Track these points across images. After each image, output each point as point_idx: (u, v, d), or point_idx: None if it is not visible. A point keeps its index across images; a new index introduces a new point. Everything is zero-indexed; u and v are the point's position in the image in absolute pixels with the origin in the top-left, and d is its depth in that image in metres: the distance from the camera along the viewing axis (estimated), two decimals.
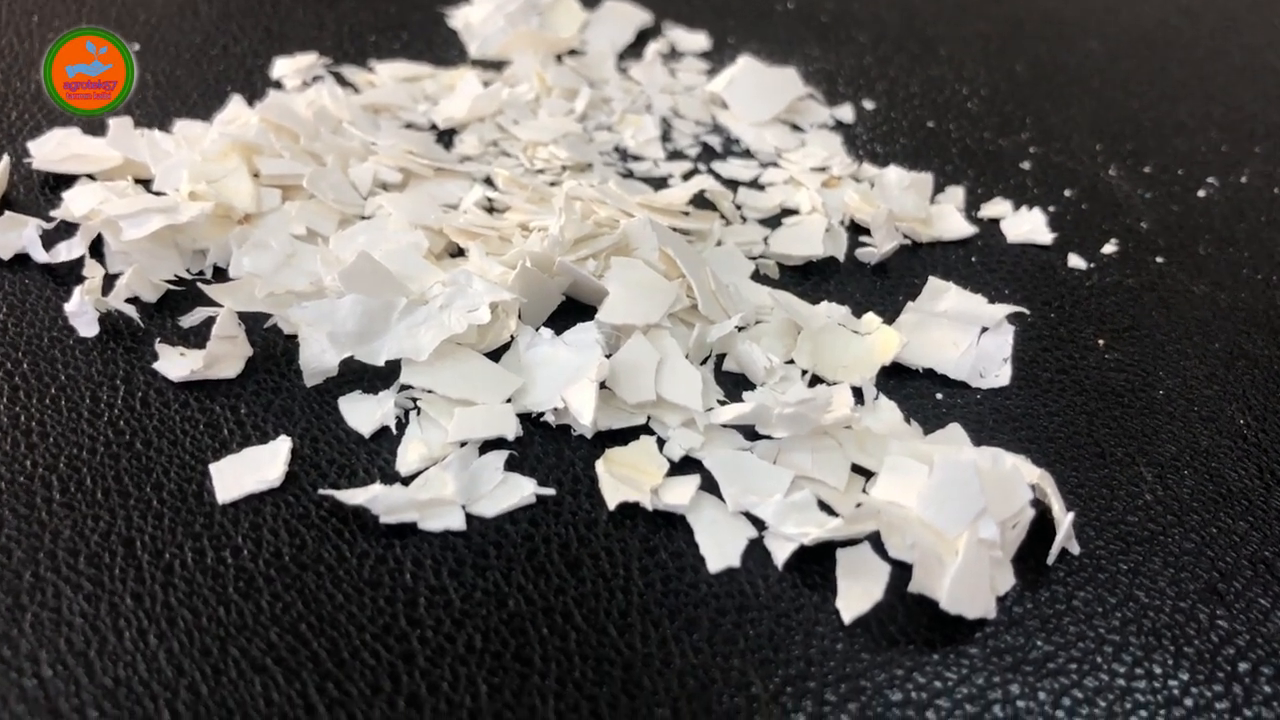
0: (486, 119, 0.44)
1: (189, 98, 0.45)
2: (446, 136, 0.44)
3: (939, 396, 0.33)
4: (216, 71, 0.46)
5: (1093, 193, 0.45)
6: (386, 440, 0.29)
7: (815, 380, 0.32)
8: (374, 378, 0.31)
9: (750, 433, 0.30)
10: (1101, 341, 0.36)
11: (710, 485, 0.29)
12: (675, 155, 0.44)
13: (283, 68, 0.47)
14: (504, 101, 0.45)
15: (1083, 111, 0.51)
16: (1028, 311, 0.36)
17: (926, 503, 0.27)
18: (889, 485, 0.28)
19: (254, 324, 0.32)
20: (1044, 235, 0.41)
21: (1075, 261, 0.40)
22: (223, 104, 0.42)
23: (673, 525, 0.28)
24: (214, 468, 0.28)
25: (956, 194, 0.43)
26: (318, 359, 0.30)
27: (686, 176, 0.42)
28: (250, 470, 0.28)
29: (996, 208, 0.43)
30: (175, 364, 0.31)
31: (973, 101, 0.51)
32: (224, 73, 0.46)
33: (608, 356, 0.30)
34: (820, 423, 0.29)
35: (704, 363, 0.33)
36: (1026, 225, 0.42)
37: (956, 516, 0.26)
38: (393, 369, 0.31)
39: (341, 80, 0.46)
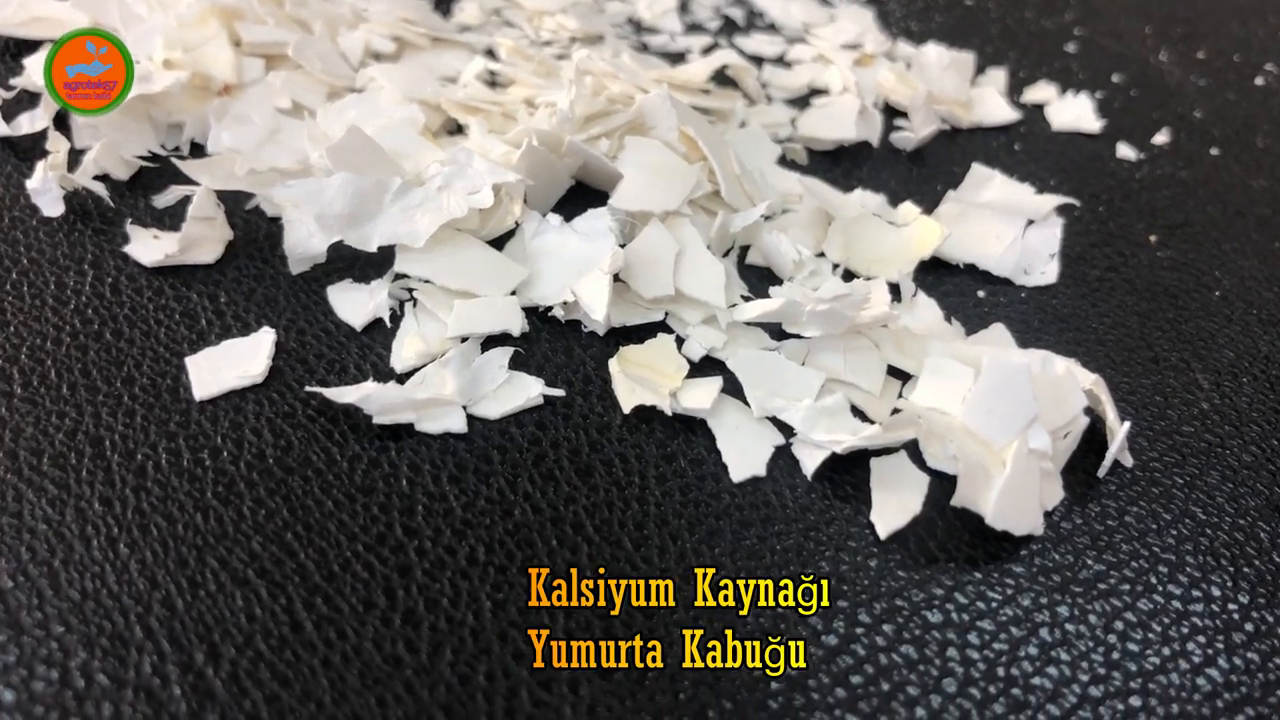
0: None
1: None
2: (444, 3, 0.42)
3: (980, 294, 0.31)
4: None
5: (1143, 79, 0.42)
6: (380, 334, 0.28)
7: (848, 275, 0.31)
8: (366, 265, 0.29)
9: (777, 331, 0.29)
10: (1153, 238, 0.34)
11: (733, 388, 0.27)
12: (694, 28, 0.43)
13: None
14: None
15: None
16: (1078, 203, 0.34)
17: (972, 409, 0.25)
18: (929, 389, 0.26)
19: (234, 205, 0.31)
20: (1091, 123, 0.39)
21: (1124, 152, 0.38)
22: None
23: (692, 430, 0.26)
24: (190, 361, 0.26)
25: (998, 76, 0.41)
26: (304, 244, 0.29)
27: (706, 51, 0.41)
28: (230, 364, 0.26)
29: (1041, 92, 0.40)
30: (148, 247, 0.29)
31: None
32: None
33: (622, 246, 0.29)
34: (854, 321, 0.27)
35: (727, 254, 0.31)
36: (1073, 112, 0.39)
37: (1005, 424, 0.24)
38: (386, 256, 0.29)
39: None
